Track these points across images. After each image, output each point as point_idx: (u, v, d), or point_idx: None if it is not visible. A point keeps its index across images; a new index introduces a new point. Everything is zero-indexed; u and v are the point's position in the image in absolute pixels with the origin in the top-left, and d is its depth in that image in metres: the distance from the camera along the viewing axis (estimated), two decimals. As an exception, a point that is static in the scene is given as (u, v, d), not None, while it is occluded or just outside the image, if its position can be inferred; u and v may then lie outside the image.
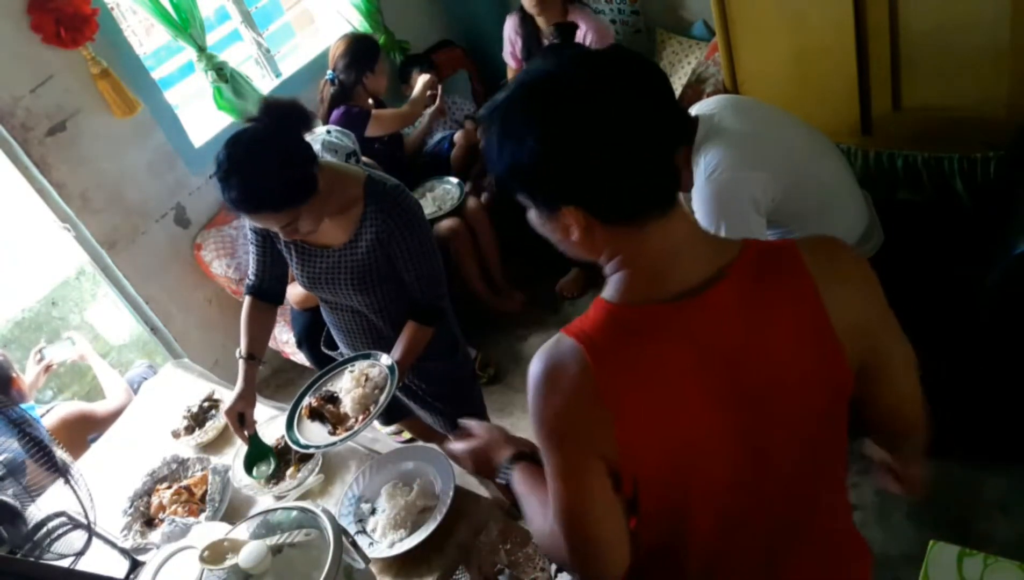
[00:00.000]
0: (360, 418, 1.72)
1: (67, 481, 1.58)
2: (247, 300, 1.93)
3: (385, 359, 1.79)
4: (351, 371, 1.82)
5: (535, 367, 0.94)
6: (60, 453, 1.63)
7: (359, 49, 3.05)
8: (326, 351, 2.30)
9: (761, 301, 0.93)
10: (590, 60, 0.89)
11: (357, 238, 1.76)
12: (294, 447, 1.74)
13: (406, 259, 1.78)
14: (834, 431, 1.02)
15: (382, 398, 1.72)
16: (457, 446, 1.26)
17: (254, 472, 1.81)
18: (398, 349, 1.81)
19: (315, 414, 1.77)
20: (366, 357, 1.84)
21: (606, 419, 0.90)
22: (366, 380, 1.78)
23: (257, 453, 1.83)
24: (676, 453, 0.94)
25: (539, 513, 1.03)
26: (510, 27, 3.35)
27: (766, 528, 1.04)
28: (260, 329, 1.93)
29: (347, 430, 1.71)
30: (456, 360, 2.03)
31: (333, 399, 1.79)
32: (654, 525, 1.01)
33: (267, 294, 1.93)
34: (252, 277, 1.92)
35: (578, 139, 0.84)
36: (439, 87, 3.38)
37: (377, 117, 3.05)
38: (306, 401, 1.82)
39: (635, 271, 0.93)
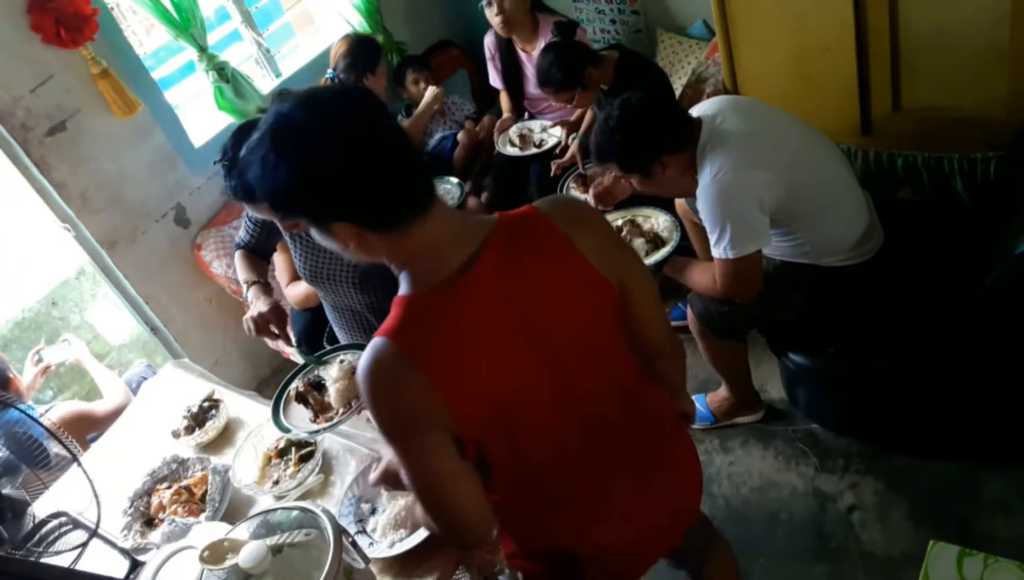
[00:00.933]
0: (341, 411, 1.73)
1: (79, 463, 1.61)
2: (239, 252, 2.00)
3: None
4: (340, 361, 1.82)
5: (359, 374, 1.08)
6: (64, 446, 1.64)
7: (361, 50, 3.05)
8: (328, 347, 2.30)
9: (523, 258, 1.10)
10: (314, 99, 1.02)
11: None
12: (277, 428, 1.76)
13: None
14: (621, 341, 1.22)
15: None
16: (374, 477, 1.47)
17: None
18: None
19: (301, 398, 1.79)
20: (359, 348, 1.84)
21: (433, 392, 1.05)
22: (353, 372, 1.78)
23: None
24: (498, 405, 1.10)
25: None
26: (489, 44, 3.39)
27: (600, 433, 1.22)
28: (258, 265, 1.99)
29: (327, 421, 1.72)
30: None
31: (319, 386, 1.80)
32: (509, 473, 1.18)
33: (257, 252, 2.02)
34: (241, 242, 2.00)
35: (320, 167, 0.97)
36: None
37: None
38: (295, 383, 1.83)
39: (414, 266, 1.08)
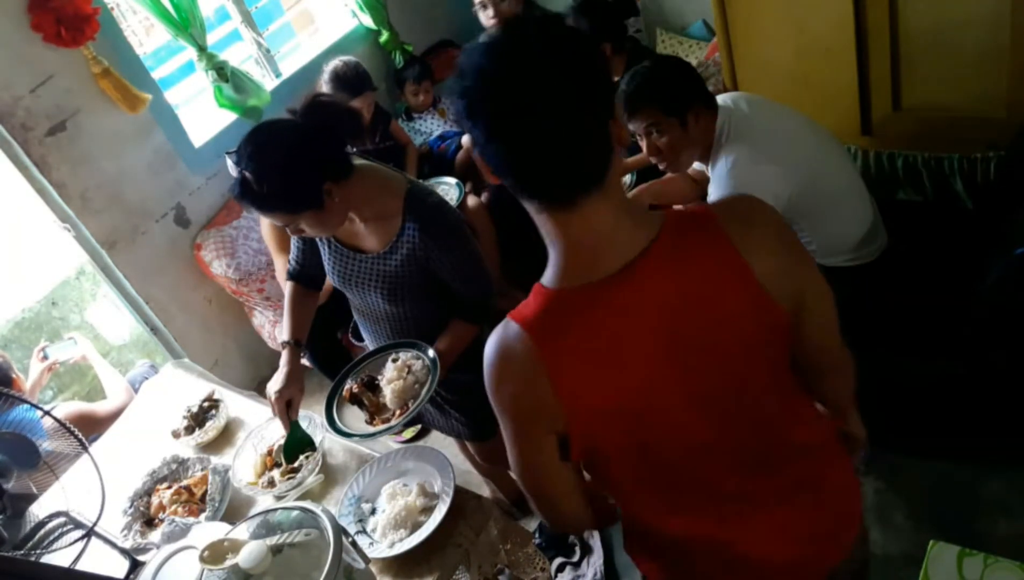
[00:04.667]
0: (398, 412, 1.70)
1: (89, 454, 1.62)
2: (289, 285, 1.93)
3: (430, 353, 1.75)
4: (394, 360, 1.78)
5: (488, 353, 1.05)
6: (76, 437, 1.64)
7: (340, 79, 3.01)
8: (353, 341, 2.27)
9: (685, 263, 1.00)
10: (508, 48, 0.92)
11: (393, 250, 1.71)
12: (332, 433, 1.73)
13: (452, 273, 1.74)
14: (777, 362, 1.11)
15: (423, 393, 1.70)
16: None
17: (299, 462, 1.81)
18: (442, 342, 1.77)
19: (355, 399, 1.75)
20: (410, 347, 1.80)
21: (557, 397, 1.00)
22: (408, 372, 1.74)
23: (296, 441, 1.81)
24: (627, 411, 1.03)
25: None
26: None
27: (732, 453, 1.12)
28: (303, 314, 1.93)
29: (384, 422, 1.70)
30: (481, 371, 2.01)
31: (374, 386, 1.76)
32: (627, 467, 1.12)
33: (308, 280, 1.94)
34: (293, 263, 1.93)
35: (506, 127, 0.91)
36: None
37: None
38: (348, 384, 1.79)
39: (572, 255, 1.00)
